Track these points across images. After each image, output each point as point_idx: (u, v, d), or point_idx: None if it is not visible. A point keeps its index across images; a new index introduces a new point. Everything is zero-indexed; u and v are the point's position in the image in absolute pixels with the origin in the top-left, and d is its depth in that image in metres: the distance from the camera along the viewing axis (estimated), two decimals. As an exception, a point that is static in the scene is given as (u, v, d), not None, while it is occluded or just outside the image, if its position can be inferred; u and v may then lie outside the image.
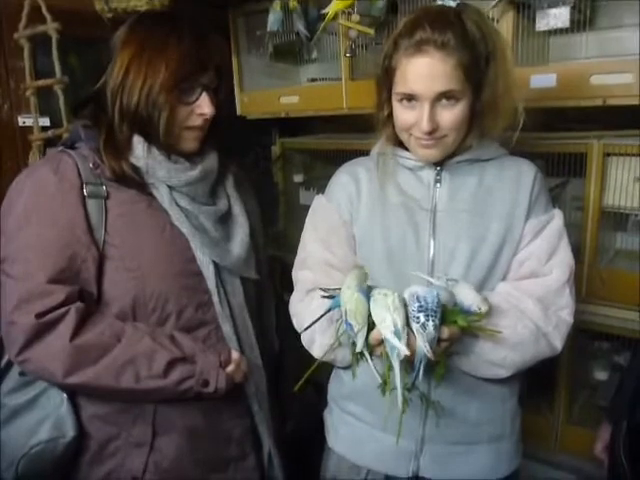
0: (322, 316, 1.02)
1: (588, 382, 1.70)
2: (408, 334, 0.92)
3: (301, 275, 1.18)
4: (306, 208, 1.24)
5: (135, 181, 1.06)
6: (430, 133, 1.01)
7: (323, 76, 2.03)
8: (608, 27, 1.51)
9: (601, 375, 1.65)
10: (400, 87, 1.02)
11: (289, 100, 1.93)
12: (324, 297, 1.02)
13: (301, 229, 1.23)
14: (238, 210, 1.19)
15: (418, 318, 0.89)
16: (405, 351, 0.88)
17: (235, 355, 1.10)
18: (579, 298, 1.40)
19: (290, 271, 1.23)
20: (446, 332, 0.93)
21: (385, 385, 0.97)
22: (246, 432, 1.17)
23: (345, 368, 1.16)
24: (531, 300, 1.06)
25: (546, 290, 1.07)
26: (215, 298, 1.10)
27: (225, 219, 1.17)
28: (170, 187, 1.08)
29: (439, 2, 1.01)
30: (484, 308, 0.97)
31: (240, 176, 1.26)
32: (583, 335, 1.57)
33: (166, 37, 1.03)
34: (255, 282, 1.23)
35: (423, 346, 0.88)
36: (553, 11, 1.39)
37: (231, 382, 1.07)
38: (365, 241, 1.14)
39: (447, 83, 0.97)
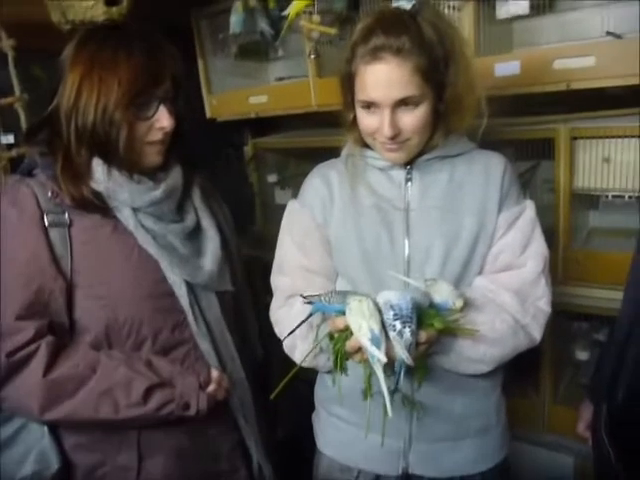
0: (303, 322, 1.02)
1: (571, 362, 1.73)
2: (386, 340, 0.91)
3: (279, 282, 1.18)
4: (282, 207, 1.24)
5: (97, 206, 1.03)
6: (393, 138, 1.01)
7: (291, 74, 2.01)
8: (568, 9, 1.51)
9: (583, 355, 1.67)
10: (360, 94, 1.01)
11: (258, 100, 1.91)
12: (306, 303, 1.02)
13: (278, 229, 1.22)
14: (207, 223, 1.17)
15: (394, 326, 0.89)
16: (384, 359, 0.88)
17: (215, 374, 1.09)
18: (556, 280, 1.41)
19: (269, 271, 1.22)
20: (424, 336, 0.93)
21: (368, 390, 0.98)
22: (234, 447, 1.17)
23: (328, 372, 1.16)
24: (508, 293, 1.07)
25: (522, 282, 1.08)
26: (190, 317, 1.09)
27: (194, 234, 1.15)
28: (134, 209, 1.05)
29: (394, 4, 0.99)
30: (459, 304, 0.97)
31: (207, 187, 1.24)
32: (562, 316, 1.58)
33: (115, 52, 1.00)
34: (232, 292, 1.21)
35: (402, 353, 0.88)
36: (513, -2, 1.39)
37: (213, 402, 1.06)
38: (340, 244, 1.14)
39: (405, 89, 0.97)
